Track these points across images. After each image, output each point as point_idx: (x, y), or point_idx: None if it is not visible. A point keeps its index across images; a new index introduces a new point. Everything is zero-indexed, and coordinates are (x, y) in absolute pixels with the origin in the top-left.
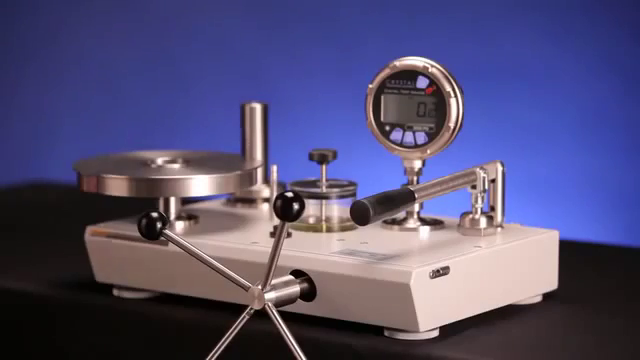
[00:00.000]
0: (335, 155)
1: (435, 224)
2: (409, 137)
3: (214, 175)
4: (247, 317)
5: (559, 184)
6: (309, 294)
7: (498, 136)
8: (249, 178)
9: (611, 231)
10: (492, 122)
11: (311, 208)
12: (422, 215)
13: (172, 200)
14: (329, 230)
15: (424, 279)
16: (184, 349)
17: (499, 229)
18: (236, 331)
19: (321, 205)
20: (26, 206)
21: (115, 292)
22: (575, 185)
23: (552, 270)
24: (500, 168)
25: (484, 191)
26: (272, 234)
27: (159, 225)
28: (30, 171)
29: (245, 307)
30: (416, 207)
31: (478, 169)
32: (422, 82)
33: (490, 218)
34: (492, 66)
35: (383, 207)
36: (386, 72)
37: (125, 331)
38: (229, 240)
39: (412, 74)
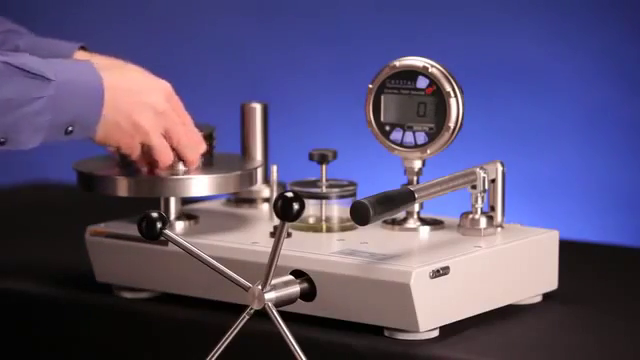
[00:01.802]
0: (335, 155)
1: (435, 224)
2: (409, 137)
3: (214, 175)
4: (247, 317)
5: (559, 184)
6: (309, 294)
7: (498, 136)
8: (249, 178)
9: (611, 231)
10: (492, 122)
11: (311, 208)
12: (422, 215)
13: (172, 200)
14: (329, 230)
15: (424, 279)
16: (184, 349)
17: (499, 229)
18: (236, 331)
19: (321, 205)
20: (26, 206)
21: (115, 292)
22: (575, 185)
23: (552, 270)
24: (500, 168)
25: (484, 191)
26: (272, 234)
27: (159, 225)
28: (30, 171)
29: (245, 307)
30: (416, 207)
31: (478, 169)
32: (422, 82)
33: (490, 218)
34: (492, 66)
35: (383, 207)
36: (386, 72)
37: (125, 331)
38: (229, 240)
39: (412, 74)
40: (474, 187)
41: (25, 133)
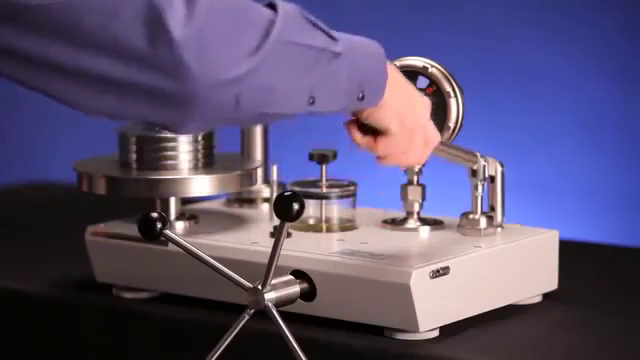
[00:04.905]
0: (335, 155)
1: (435, 224)
2: None
3: (214, 175)
4: (247, 317)
5: (559, 184)
6: (309, 294)
7: (498, 137)
8: (249, 178)
9: (611, 231)
10: (492, 122)
11: (311, 208)
12: (422, 215)
13: (172, 200)
14: (329, 230)
15: (424, 279)
16: (184, 349)
17: (499, 229)
18: (236, 331)
19: (321, 205)
20: (26, 206)
21: (115, 292)
22: (575, 185)
23: (552, 270)
24: (500, 168)
25: (484, 179)
26: (272, 234)
27: (159, 225)
28: (31, 171)
29: (245, 307)
30: (416, 207)
31: (479, 155)
32: (422, 82)
33: (490, 218)
34: (492, 66)
35: None
36: None
37: (125, 331)
38: (229, 240)
39: (412, 74)
40: (474, 174)
41: (327, 92)
